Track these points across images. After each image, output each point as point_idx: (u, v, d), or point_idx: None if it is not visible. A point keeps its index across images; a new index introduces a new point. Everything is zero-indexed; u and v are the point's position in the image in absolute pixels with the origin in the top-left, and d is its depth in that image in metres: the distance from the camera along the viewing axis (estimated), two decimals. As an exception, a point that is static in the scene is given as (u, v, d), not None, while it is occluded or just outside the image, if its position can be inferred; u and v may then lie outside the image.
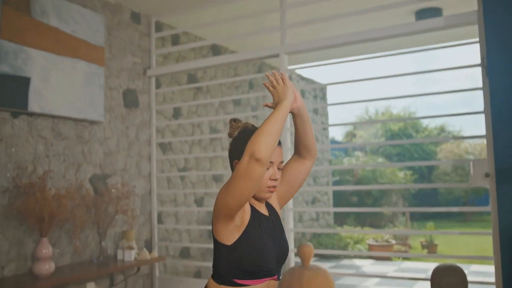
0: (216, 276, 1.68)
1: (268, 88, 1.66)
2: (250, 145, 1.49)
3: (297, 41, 3.84)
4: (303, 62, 6.67)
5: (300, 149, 1.81)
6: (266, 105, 1.67)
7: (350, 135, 16.91)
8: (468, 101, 30.15)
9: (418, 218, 11.92)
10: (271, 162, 1.67)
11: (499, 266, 3.00)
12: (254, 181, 1.51)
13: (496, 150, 3.03)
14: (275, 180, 1.69)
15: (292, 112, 1.72)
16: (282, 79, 1.66)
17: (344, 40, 3.61)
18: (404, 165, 3.76)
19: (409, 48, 3.59)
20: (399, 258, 7.05)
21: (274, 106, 1.63)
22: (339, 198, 11.47)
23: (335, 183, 11.32)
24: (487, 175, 3.08)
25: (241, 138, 1.70)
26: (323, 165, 8.27)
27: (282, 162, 1.72)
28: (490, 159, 3.08)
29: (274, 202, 1.85)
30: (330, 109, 9.98)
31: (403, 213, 9.11)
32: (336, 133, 19.77)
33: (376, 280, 5.33)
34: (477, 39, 3.14)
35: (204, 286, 1.76)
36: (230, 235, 1.62)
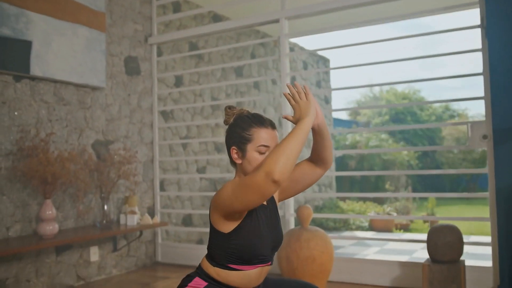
0: (210, 258, 1.71)
1: (289, 100, 1.64)
2: (269, 163, 1.46)
3: (298, 6, 3.83)
4: (304, 33, 6.64)
5: (315, 159, 1.79)
6: (286, 118, 1.65)
7: (354, 113, 16.88)
8: (472, 81, 29.93)
9: (420, 191, 11.93)
10: (267, 147, 1.66)
11: (495, 226, 3.05)
12: (265, 197, 1.49)
13: (494, 112, 3.04)
14: None
15: (312, 128, 1.69)
16: (305, 94, 1.63)
17: (345, 3, 3.59)
18: (405, 149, 3.78)
19: (411, 16, 3.55)
20: (400, 230, 7.12)
21: (295, 121, 1.61)
22: (343, 181, 11.47)
23: (338, 159, 11.33)
24: (484, 137, 3.10)
25: (237, 125, 1.70)
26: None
27: None
28: (488, 121, 3.10)
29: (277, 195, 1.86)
30: (333, 85, 9.95)
31: (405, 188, 9.14)
32: (340, 112, 19.72)
33: (376, 249, 5.39)
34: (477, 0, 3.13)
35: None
36: (228, 224, 1.64)
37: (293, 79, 7.44)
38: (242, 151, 1.68)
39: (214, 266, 1.69)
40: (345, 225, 7.17)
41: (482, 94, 3.17)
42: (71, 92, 3.73)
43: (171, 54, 4.78)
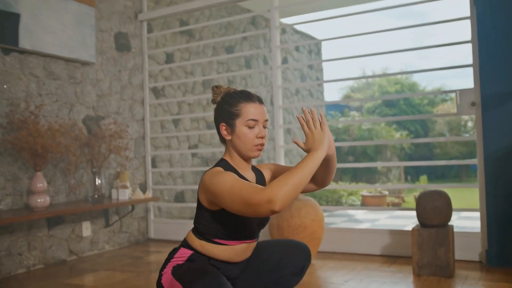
0: (196, 232, 1.73)
1: (302, 125, 1.59)
2: (275, 189, 1.40)
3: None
4: (296, 14, 6.65)
5: (315, 178, 1.77)
6: (297, 143, 1.61)
7: (347, 98, 16.90)
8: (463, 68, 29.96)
9: (412, 174, 12.03)
10: (255, 121, 1.67)
11: (483, 192, 3.08)
12: (258, 216, 1.47)
13: (482, 79, 3.06)
14: (262, 137, 1.69)
15: None
16: (321, 123, 1.58)
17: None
18: (394, 119, 3.80)
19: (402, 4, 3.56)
20: (391, 205, 7.18)
21: (306, 149, 1.56)
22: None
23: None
24: (473, 104, 3.12)
25: (225, 102, 1.71)
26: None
27: (267, 120, 1.72)
28: (476, 88, 3.12)
29: (266, 171, 1.86)
30: (325, 70, 9.95)
31: (397, 168, 9.20)
32: (333, 96, 19.75)
33: (368, 224, 5.44)
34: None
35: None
36: (215, 205, 1.64)
37: (284, 60, 7.43)
38: (231, 127, 1.69)
39: (199, 239, 1.71)
40: (337, 204, 7.23)
41: (471, 79, 3.17)
42: (61, 66, 3.71)
43: (161, 31, 4.76)
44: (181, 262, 1.70)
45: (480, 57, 3.07)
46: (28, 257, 3.38)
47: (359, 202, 7.33)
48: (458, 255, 3.15)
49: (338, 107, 15.08)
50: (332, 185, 6.12)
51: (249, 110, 1.68)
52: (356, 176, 10.55)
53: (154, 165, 4.64)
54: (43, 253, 3.49)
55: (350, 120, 12.41)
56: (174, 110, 4.95)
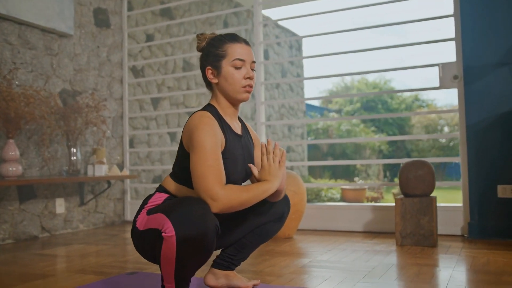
0: (174, 176, 1.65)
1: (262, 155, 1.59)
2: (230, 195, 1.45)
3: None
4: (278, 6, 6.62)
5: None
6: (250, 167, 1.61)
7: (326, 102, 16.97)
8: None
9: (391, 173, 12.10)
10: (243, 61, 1.61)
11: (466, 165, 3.07)
12: (195, 194, 1.49)
13: (464, 52, 3.07)
14: (250, 78, 1.63)
15: None
16: (280, 160, 1.60)
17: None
18: (370, 117, 3.79)
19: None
20: (371, 201, 7.17)
21: (259, 178, 1.58)
22: (314, 158, 11.56)
23: (310, 145, 11.37)
24: (455, 77, 3.12)
25: (210, 45, 1.65)
26: (298, 116, 8.29)
27: (254, 62, 1.67)
28: (458, 61, 3.12)
29: (252, 133, 1.83)
30: (306, 68, 9.97)
31: (376, 166, 9.22)
32: (313, 100, 19.82)
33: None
34: None
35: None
36: None
37: (265, 53, 7.41)
38: (217, 69, 1.63)
39: (176, 182, 1.63)
40: (317, 197, 7.19)
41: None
42: (37, 36, 3.60)
43: (142, 9, 4.68)
44: (156, 205, 1.60)
45: (462, 30, 3.08)
46: (-2, 230, 3.24)
47: (338, 196, 7.31)
48: (441, 229, 3.13)
49: (318, 109, 15.12)
50: (312, 184, 6.07)
51: (235, 50, 1.62)
52: (335, 174, 10.56)
53: (131, 146, 4.53)
54: (13, 227, 3.34)
55: (330, 118, 12.43)
56: (154, 92, 4.86)
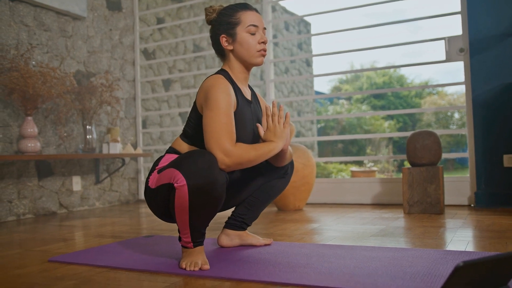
0: (185, 136, 1.71)
1: (267, 117, 1.65)
2: (242, 152, 1.51)
3: None
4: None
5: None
6: (258, 128, 1.67)
7: (336, 89, 16.98)
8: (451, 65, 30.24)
9: (399, 160, 12.13)
10: (256, 26, 1.69)
11: (472, 136, 3.13)
12: (207, 151, 1.52)
13: (470, 26, 3.11)
14: (264, 42, 1.70)
15: None
16: (284, 122, 1.66)
17: None
18: (384, 113, 3.84)
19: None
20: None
21: (264, 138, 1.64)
22: (325, 145, 11.61)
23: (320, 129, 11.43)
24: (461, 50, 3.17)
25: (222, 14, 1.72)
26: (307, 101, 8.34)
27: (265, 28, 1.74)
28: (464, 34, 3.17)
29: (262, 101, 1.88)
30: (314, 60, 10.01)
31: (386, 146, 9.26)
32: (322, 87, 19.83)
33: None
34: None
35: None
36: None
37: (274, 37, 7.46)
38: (232, 36, 1.69)
39: (187, 143, 1.69)
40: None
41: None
42: (52, 18, 3.69)
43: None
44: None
45: (468, 4, 3.12)
46: (19, 205, 3.36)
47: (348, 176, 7.37)
48: (448, 200, 3.20)
49: (327, 98, 15.15)
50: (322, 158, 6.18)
51: (248, 17, 1.70)
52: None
53: (144, 127, 4.63)
54: (33, 203, 3.46)
55: (338, 114, 12.45)
56: (165, 75, 4.94)
